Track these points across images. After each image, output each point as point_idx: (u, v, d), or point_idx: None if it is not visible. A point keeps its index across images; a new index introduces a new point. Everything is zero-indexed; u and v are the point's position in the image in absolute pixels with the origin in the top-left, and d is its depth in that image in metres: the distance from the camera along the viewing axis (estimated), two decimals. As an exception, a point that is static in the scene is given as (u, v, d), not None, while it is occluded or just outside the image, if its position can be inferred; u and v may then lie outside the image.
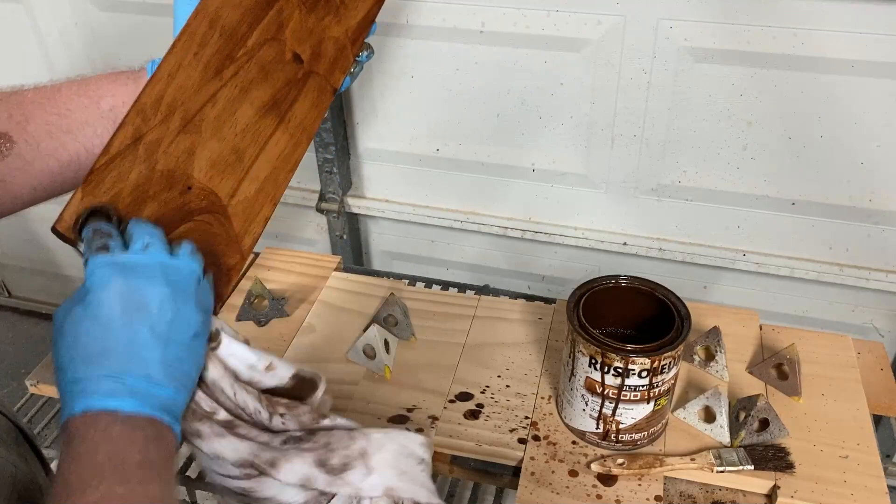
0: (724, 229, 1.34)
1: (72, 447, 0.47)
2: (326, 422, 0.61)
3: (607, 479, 0.84)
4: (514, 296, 1.13)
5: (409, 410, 0.93)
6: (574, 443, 0.89)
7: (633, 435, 0.86)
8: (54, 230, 0.56)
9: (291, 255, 1.18)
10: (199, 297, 0.54)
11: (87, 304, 0.50)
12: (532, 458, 0.87)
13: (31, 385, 1.02)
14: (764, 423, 0.87)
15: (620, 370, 0.81)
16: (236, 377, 0.58)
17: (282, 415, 0.59)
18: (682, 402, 0.91)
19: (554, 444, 0.89)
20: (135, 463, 0.47)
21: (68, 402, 0.49)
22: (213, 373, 0.57)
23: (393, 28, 1.30)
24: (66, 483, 0.46)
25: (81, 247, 0.55)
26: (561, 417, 0.92)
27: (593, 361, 0.82)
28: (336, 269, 1.16)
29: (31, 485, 0.60)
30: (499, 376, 0.98)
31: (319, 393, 0.63)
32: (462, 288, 1.18)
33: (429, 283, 1.18)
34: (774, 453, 0.85)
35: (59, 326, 0.51)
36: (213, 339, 0.57)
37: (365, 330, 1.00)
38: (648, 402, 0.83)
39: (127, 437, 0.47)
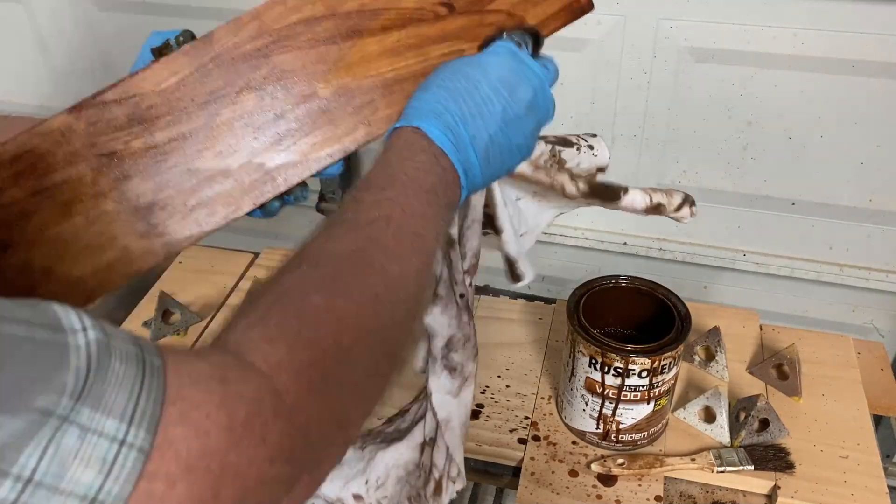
0: (724, 229, 1.34)
1: (387, 153, 0.54)
2: None
3: (607, 480, 0.84)
4: (514, 296, 1.13)
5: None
6: (574, 443, 0.89)
7: (633, 435, 0.86)
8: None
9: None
10: (540, 121, 0.64)
11: (478, 58, 0.59)
12: (532, 459, 0.87)
13: (31, 385, 1.02)
14: (764, 424, 0.87)
15: (620, 370, 0.81)
16: None
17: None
18: (683, 402, 0.91)
19: (554, 445, 0.89)
20: (425, 188, 0.52)
21: (409, 115, 0.56)
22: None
23: (393, 28, 1.30)
24: (367, 179, 0.52)
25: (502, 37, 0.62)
26: (561, 418, 0.92)
27: (593, 361, 0.82)
28: (336, 269, 1.16)
29: None
30: (499, 376, 0.98)
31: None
32: (462, 288, 1.17)
33: (429, 283, 1.18)
34: (775, 453, 0.85)
35: (449, 63, 0.59)
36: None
37: (365, 330, 1.00)
38: (648, 403, 0.83)
39: (429, 167, 0.53)
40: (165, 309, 1.05)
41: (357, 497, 0.78)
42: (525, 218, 0.76)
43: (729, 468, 0.84)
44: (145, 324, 1.04)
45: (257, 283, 0.42)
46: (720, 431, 0.88)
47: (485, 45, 0.62)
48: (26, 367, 0.30)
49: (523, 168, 0.70)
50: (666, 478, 0.85)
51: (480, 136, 0.56)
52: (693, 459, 0.85)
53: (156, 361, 0.34)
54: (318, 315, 0.42)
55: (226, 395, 0.35)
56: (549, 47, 1.34)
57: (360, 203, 0.50)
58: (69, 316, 0.33)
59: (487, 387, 0.96)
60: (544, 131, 0.68)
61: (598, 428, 0.87)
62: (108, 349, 0.33)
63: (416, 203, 0.51)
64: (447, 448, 0.75)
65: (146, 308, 1.09)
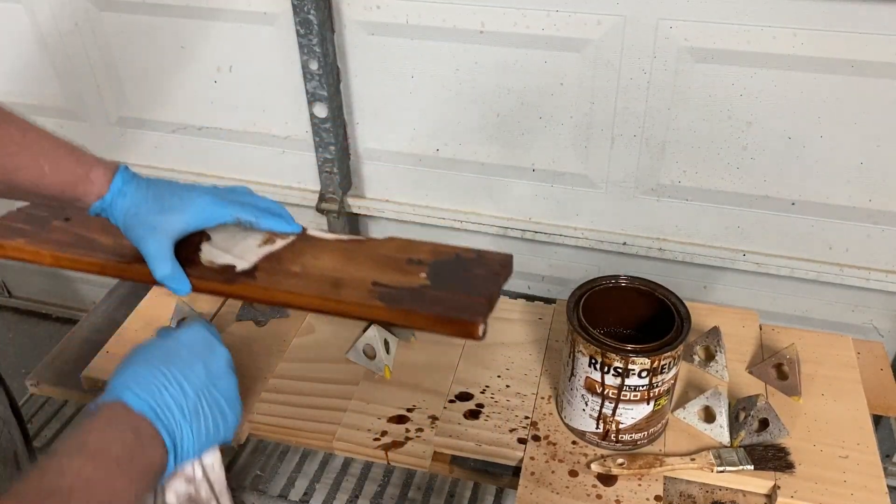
0: (723, 229, 1.34)
1: (83, 423, 0.56)
2: None
3: (607, 479, 0.84)
4: (514, 296, 1.13)
5: (409, 410, 0.93)
6: (574, 443, 0.89)
7: (632, 435, 0.86)
8: None
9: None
10: (235, 383, 0.70)
11: (172, 332, 0.69)
12: (532, 458, 0.87)
13: (32, 385, 1.02)
14: (764, 423, 0.87)
15: (620, 370, 0.81)
16: None
17: None
18: (682, 402, 0.91)
19: (554, 444, 0.89)
20: (114, 456, 0.55)
21: (111, 389, 0.60)
22: None
23: (393, 28, 1.30)
24: (55, 447, 0.54)
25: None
26: (561, 417, 0.92)
27: (593, 361, 0.82)
28: (336, 269, 1.16)
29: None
30: (499, 376, 0.98)
31: None
32: (462, 288, 1.17)
33: (429, 283, 1.18)
34: (774, 453, 0.85)
35: (147, 341, 0.66)
36: None
37: (365, 330, 1.00)
38: (648, 402, 0.83)
39: (121, 435, 0.56)
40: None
41: None
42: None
43: (729, 468, 0.84)
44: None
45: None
46: (720, 431, 0.88)
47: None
48: None
49: None
50: (666, 478, 0.85)
51: (187, 396, 0.60)
52: (693, 459, 0.85)
53: None
54: None
55: None
56: (547, 46, 1.35)
57: (44, 472, 0.50)
58: None
59: (487, 387, 0.96)
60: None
61: (597, 428, 0.87)
62: None
63: (102, 473, 0.52)
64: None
65: (146, 308, 1.10)
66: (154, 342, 0.64)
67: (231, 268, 0.82)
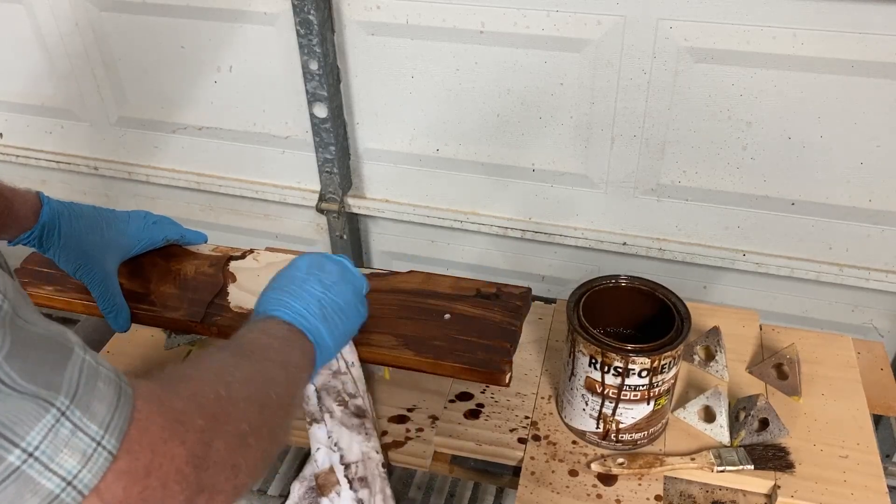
0: (723, 229, 1.34)
1: (248, 328, 0.68)
2: None
3: (607, 479, 0.84)
4: (514, 296, 1.13)
5: (409, 410, 0.93)
6: (574, 442, 0.89)
7: (633, 434, 0.86)
8: None
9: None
10: (357, 287, 0.77)
11: (293, 260, 0.77)
12: (532, 458, 0.87)
13: (32, 385, 1.02)
14: (764, 423, 0.87)
15: (620, 370, 0.81)
16: None
17: None
18: (682, 401, 0.91)
19: (554, 444, 0.89)
20: (277, 344, 0.67)
21: (258, 309, 0.72)
22: None
23: (393, 28, 1.30)
24: (236, 337, 0.66)
25: None
26: (561, 417, 0.92)
27: (593, 361, 0.82)
28: (336, 269, 1.16)
29: None
30: (499, 376, 0.98)
31: None
32: (462, 288, 1.17)
33: (429, 283, 1.18)
34: (774, 453, 0.85)
35: (280, 271, 0.76)
36: None
37: (365, 330, 1.00)
38: (648, 402, 0.83)
39: (280, 333, 0.68)
40: None
41: None
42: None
43: (729, 468, 0.84)
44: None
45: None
46: (720, 431, 0.88)
47: None
48: (39, 362, 0.40)
49: None
50: (666, 477, 0.85)
51: (311, 304, 0.71)
52: (693, 459, 0.85)
53: (128, 390, 0.44)
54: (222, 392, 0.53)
55: (162, 413, 0.46)
56: (547, 46, 1.35)
57: (231, 339, 0.66)
58: (77, 338, 0.44)
59: (487, 386, 0.96)
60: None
61: (598, 427, 0.87)
62: (96, 371, 0.43)
63: (276, 343, 0.67)
64: None
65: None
66: (278, 273, 0.75)
67: None
